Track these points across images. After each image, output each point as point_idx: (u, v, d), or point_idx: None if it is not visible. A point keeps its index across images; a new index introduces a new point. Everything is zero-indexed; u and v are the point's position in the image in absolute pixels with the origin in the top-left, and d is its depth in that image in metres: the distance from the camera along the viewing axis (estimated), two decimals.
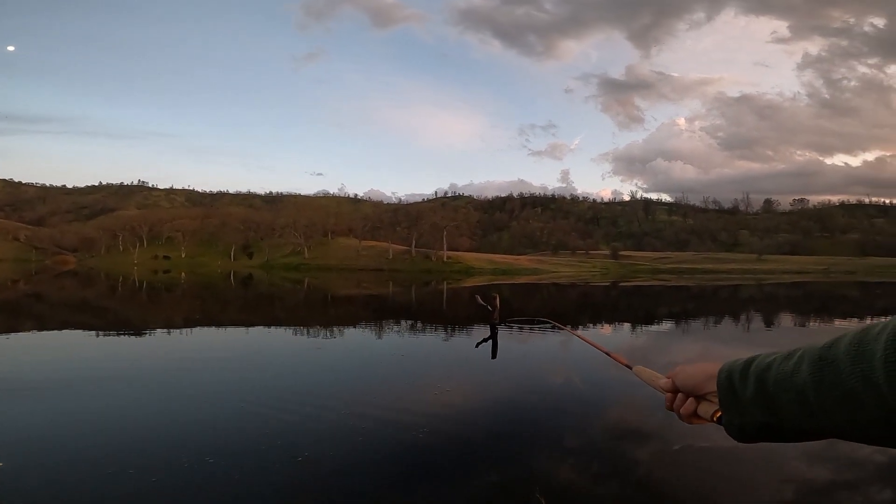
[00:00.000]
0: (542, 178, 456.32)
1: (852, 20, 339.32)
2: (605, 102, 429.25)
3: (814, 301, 24.31)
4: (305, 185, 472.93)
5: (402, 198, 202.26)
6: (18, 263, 79.77)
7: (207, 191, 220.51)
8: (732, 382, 0.63)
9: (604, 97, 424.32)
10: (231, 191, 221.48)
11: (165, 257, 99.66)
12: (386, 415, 5.02)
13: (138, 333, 10.60)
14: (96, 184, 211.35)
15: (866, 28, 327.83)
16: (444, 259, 77.29)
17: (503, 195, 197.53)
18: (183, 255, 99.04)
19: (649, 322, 14.09)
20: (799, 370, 0.54)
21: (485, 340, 9.43)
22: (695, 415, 0.71)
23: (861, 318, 16.01)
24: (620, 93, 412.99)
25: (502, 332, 10.43)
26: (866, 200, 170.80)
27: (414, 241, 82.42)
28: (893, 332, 0.46)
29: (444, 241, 79.60)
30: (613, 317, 16.13)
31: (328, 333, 11.17)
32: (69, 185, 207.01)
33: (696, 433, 4.18)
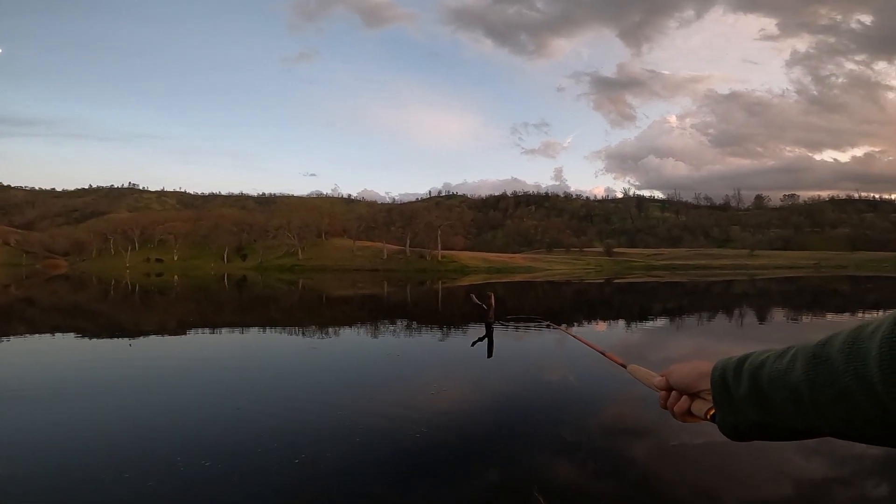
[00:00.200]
0: (536, 176, 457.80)
1: (839, 17, 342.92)
2: (597, 100, 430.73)
3: (806, 296, 24.54)
4: (298, 185, 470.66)
5: (396, 197, 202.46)
6: (9, 268, 78.94)
7: (199, 193, 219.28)
8: (726, 380, 0.63)
9: (596, 95, 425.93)
10: (223, 192, 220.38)
11: (158, 260, 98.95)
12: (383, 415, 5.02)
13: (132, 337, 10.52)
14: (86, 186, 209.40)
15: (853, 25, 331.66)
16: (439, 258, 77.35)
17: (497, 194, 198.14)
18: (175, 258, 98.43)
19: (644, 319, 14.16)
20: (793, 368, 0.54)
21: (480, 339, 9.45)
22: (689, 413, 0.72)
23: (852, 312, 16.18)
24: (612, 91, 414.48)
25: (498, 331, 10.45)
26: (856, 195, 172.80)
27: (408, 241, 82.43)
28: (888, 330, 0.45)
29: (439, 241, 79.64)
30: (608, 314, 16.20)
31: (324, 334, 11.14)
32: (58, 189, 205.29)
33: (692, 430, 4.21)
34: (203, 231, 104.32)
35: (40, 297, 23.56)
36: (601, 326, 12.59)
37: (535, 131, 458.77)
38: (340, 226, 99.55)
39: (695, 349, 9.25)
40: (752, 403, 0.59)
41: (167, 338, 10.73)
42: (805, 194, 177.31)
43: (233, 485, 3.47)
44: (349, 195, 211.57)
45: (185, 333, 11.42)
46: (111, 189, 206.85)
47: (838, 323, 13.13)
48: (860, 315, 15.23)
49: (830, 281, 36.69)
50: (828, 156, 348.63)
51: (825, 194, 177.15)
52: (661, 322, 13.32)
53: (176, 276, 50.43)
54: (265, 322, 14.09)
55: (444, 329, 11.77)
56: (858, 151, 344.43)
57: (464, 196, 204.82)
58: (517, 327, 11.60)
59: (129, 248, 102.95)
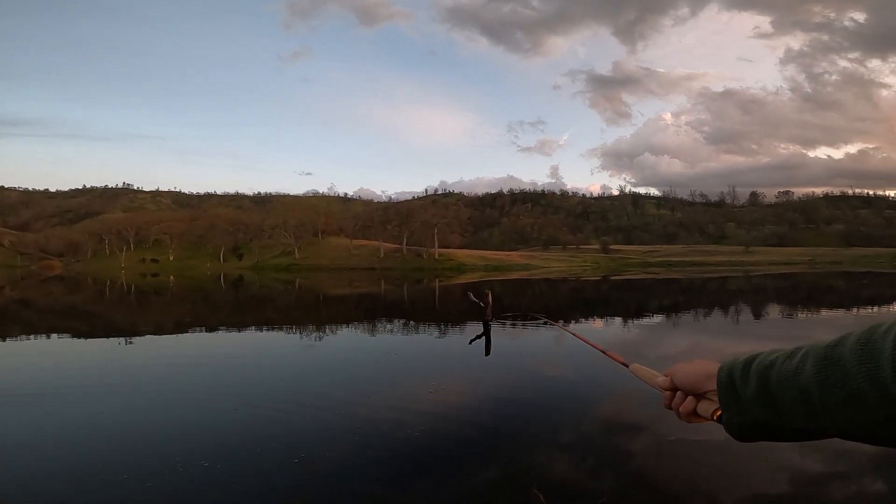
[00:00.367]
0: (532, 174, 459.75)
1: (833, 15, 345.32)
2: (593, 98, 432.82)
3: (801, 292, 24.66)
4: (294, 184, 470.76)
5: (393, 196, 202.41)
6: (4, 269, 78.43)
7: (194, 192, 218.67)
8: (733, 381, 0.63)
9: (591, 93, 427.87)
10: (218, 192, 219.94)
11: (153, 260, 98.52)
12: (381, 414, 5.02)
13: (129, 338, 10.47)
14: (80, 187, 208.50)
15: (847, 23, 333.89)
16: (436, 256, 77.28)
17: (493, 192, 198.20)
18: (171, 258, 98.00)
19: (640, 316, 14.21)
20: (803, 369, 0.53)
21: (478, 337, 9.46)
22: (694, 413, 0.71)
23: (848, 308, 16.28)
24: (607, 88, 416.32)
25: (495, 329, 10.47)
26: (850, 192, 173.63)
27: (405, 239, 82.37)
28: None
29: (436, 239, 79.59)
30: (605, 311, 16.24)
31: (321, 334, 11.12)
32: (52, 189, 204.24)
33: (689, 427, 4.19)
34: (199, 231, 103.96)
35: (36, 299, 23.42)
36: (598, 324, 12.62)
37: (531, 129, 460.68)
38: (337, 225, 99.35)
39: (692, 346, 9.28)
40: (759, 404, 0.59)
41: (164, 339, 10.70)
42: (799, 191, 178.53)
43: (232, 485, 3.47)
44: (345, 194, 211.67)
45: (181, 334, 11.39)
46: (105, 189, 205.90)
47: (835, 319, 13.22)
48: (856, 311, 15.34)
49: (825, 277, 36.88)
50: (822, 153, 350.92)
51: (819, 191, 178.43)
52: (657, 319, 13.37)
53: (172, 277, 50.24)
54: (262, 322, 14.06)
55: (442, 327, 11.77)
56: (852, 148, 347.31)
57: (460, 194, 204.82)
58: (514, 325, 11.62)
59: (125, 249, 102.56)
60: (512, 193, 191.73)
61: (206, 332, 11.82)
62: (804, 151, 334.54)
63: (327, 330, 11.76)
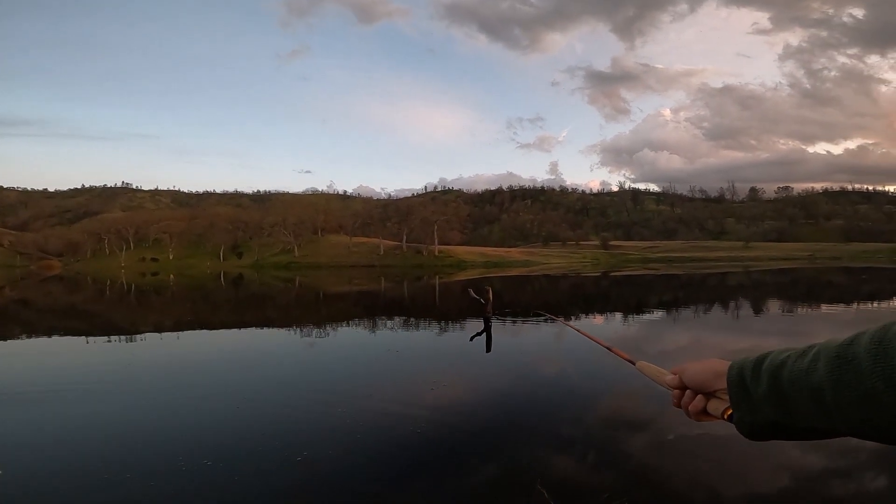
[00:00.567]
0: (531, 170, 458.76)
1: (831, 11, 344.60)
2: (592, 94, 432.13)
3: (801, 287, 24.67)
4: (293, 182, 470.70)
5: (392, 193, 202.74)
6: (3, 269, 78.34)
7: (193, 191, 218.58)
8: (744, 380, 0.62)
9: (590, 89, 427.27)
10: (218, 190, 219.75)
11: (153, 259, 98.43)
12: (383, 411, 5.01)
13: (129, 337, 10.46)
14: (79, 187, 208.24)
15: (845, 19, 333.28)
16: (436, 253, 77.28)
17: (493, 188, 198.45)
18: (171, 257, 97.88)
19: (641, 312, 14.21)
20: (815, 368, 0.53)
21: (479, 334, 9.47)
22: (704, 412, 0.71)
23: (848, 303, 16.29)
24: (606, 85, 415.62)
25: (496, 325, 10.47)
26: (849, 187, 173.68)
27: (405, 237, 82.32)
28: None
29: (435, 236, 79.57)
30: (605, 307, 16.24)
31: (321, 332, 11.12)
32: (51, 189, 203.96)
33: (691, 423, 4.21)
34: (198, 230, 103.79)
35: (35, 299, 23.41)
36: (599, 320, 12.62)
37: (530, 126, 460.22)
38: (336, 222, 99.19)
39: (693, 342, 9.27)
40: (771, 403, 0.58)
41: (164, 338, 10.68)
42: (799, 186, 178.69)
43: (234, 484, 3.46)
44: (344, 191, 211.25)
45: (181, 333, 11.38)
46: (104, 189, 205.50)
47: (835, 314, 13.21)
48: (856, 306, 15.34)
49: (825, 272, 36.89)
50: (821, 148, 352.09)
51: (819, 186, 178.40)
52: (658, 315, 13.37)
53: (171, 276, 50.22)
54: (262, 321, 14.06)
55: (443, 324, 11.76)
56: (851, 144, 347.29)
57: (459, 191, 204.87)
58: (515, 321, 11.62)
59: (124, 248, 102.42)
60: (511, 190, 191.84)
61: (207, 331, 11.82)
62: (803, 147, 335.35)
63: (327, 328, 11.75)
